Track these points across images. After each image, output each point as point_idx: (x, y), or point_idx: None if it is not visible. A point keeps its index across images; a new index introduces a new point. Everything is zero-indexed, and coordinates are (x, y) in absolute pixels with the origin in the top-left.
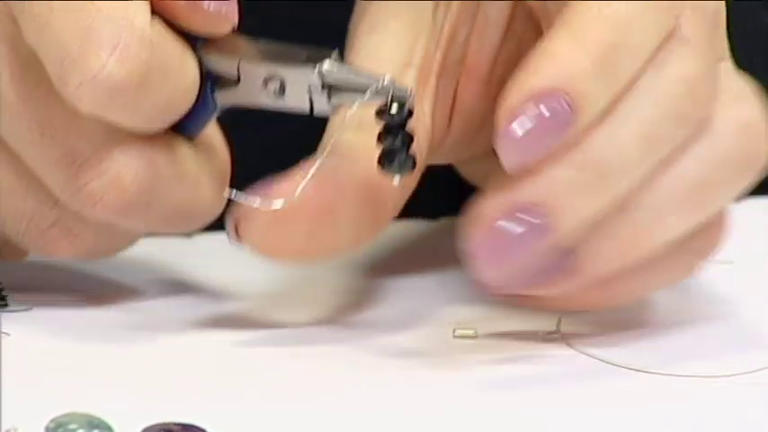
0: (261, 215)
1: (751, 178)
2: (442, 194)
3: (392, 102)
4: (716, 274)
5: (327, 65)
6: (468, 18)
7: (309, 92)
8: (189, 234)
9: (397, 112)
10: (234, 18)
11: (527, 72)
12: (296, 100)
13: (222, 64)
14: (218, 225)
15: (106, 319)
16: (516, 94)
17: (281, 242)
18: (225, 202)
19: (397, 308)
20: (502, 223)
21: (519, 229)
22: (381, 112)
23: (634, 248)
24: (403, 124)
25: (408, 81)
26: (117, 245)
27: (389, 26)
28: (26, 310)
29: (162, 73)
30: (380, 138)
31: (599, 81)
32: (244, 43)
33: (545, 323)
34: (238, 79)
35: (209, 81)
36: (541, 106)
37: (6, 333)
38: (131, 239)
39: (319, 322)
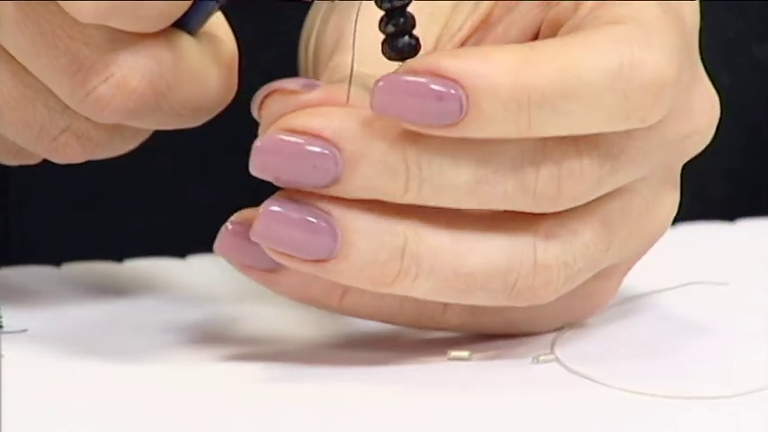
0: None
1: None
2: None
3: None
4: (711, 295)
5: None
6: (486, 27)
7: None
8: (183, 256)
9: (405, 44)
10: None
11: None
12: None
13: None
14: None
15: (103, 340)
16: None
17: None
18: (233, 92)
19: (391, 330)
20: (297, 137)
21: (307, 148)
22: (394, 47)
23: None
24: (404, 7)
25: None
26: (128, 142)
27: None
28: (22, 331)
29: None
30: (382, 23)
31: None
32: None
33: (539, 345)
34: None
35: None
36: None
37: (1, 354)
38: (143, 135)
39: (311, 345)
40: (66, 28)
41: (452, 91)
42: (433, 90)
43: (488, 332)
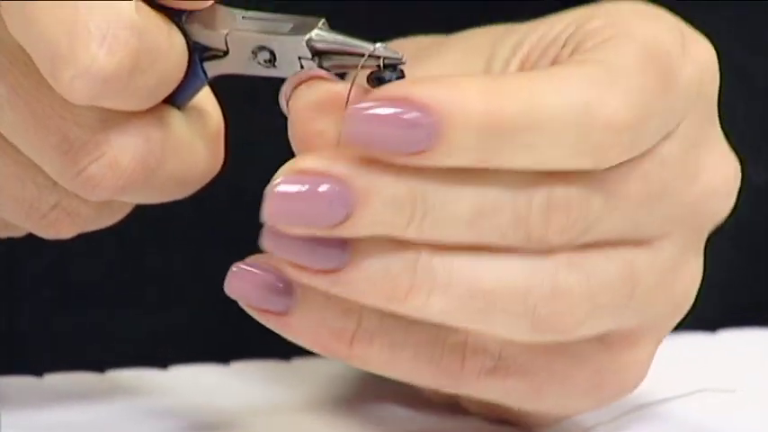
0: None
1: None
2: None
3: (385, 67)
4: (718, 402)
5: (316, 34)
6: None
7: (300, 61)
8: (165, 366)
9: (391, 77)
10: None
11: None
12: (287, 68)
13: (209, 36)
14: (195, 357)
15: None
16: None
17: None
18: (220, 163)
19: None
20: (310, 179)
21: (322, 188)
22: (375, 79)
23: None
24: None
25: None
26: (116, 214)
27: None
28: None
29: (151, 56)
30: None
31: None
32: (228, 13)
33: None
34: (227, 51)
35: (197, 52)
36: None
37: None
38: (130, 207)
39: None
40: (57, 107)
41: (422, 118)
42: (404, 117)
43: (515, 401)
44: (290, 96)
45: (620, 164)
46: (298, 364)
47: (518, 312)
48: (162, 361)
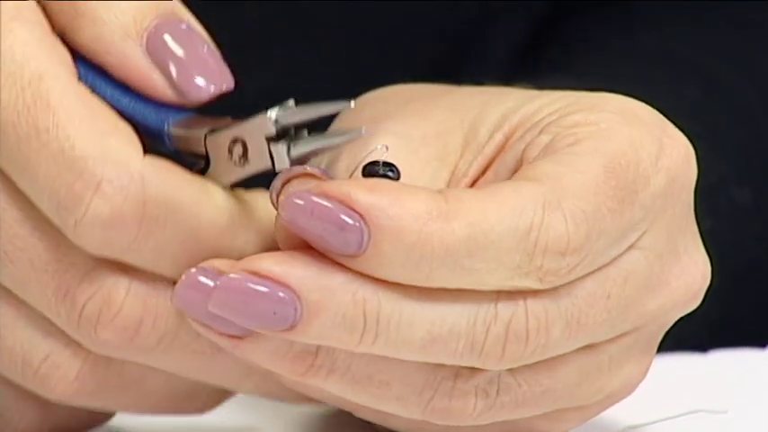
0: None
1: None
2: None
3: (384, 164)
4: (711, 423)
5: (281, 109)
6: (488, 168)
7: (269, 146)
8: None
9: (385, 172)
10: (229, 86)
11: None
12: (258, 159)
13: (191, 141)
14: None
15: None
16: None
17: None
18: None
19: None
20: (261, 282)
21: (269, 294)
22: (371, 172)
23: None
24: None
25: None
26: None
27: (419, 149)
28: None
29: (166, 207)
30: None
31: None
32: (208, 120)
33: None
34: (207, 157)
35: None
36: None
37: None
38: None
39: None
40: (53, 253)
41: (356, 223)
42: (339, 218)
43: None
44: (279, 191)
45: (583, 284)
46: None
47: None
48: None
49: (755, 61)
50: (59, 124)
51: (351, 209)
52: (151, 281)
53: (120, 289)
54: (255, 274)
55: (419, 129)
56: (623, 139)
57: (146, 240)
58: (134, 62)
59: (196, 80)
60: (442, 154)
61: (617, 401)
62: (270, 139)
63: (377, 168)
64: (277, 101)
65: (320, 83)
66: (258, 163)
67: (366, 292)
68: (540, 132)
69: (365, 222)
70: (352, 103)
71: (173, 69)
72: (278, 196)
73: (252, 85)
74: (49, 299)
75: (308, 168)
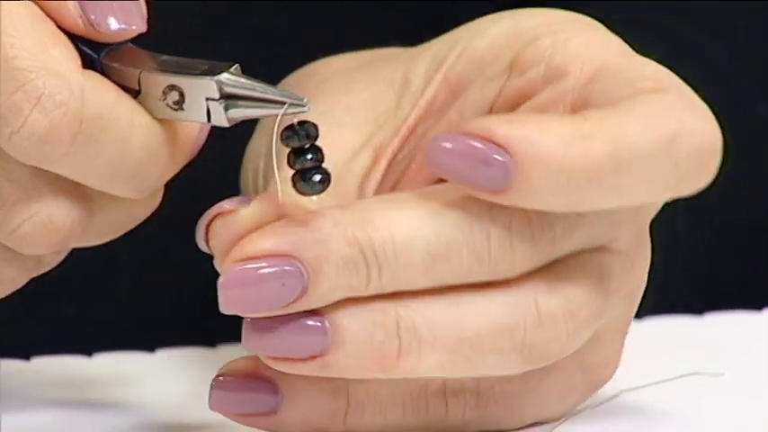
0: None
1: (517, 366)
2: None
3: (299, 124)
4: (707, 386)
5: (225, 76)
6: (434, 114)
7: (207, 103)
8: (152, 350)
9: (304, 130)
10: (140, 28)
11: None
12: (194, 111)
13: (123, 74)
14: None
15: None
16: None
17: None
18: (158, 201)
19: None
20: (258, 262)
21: (271, 270)
22: (288, 136)
23: (382, 363)
24: (312, 141)
25: (361, 163)
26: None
27: (344, 118)
28: None
29: (100, 124)
30: (290, 160)
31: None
32: (145, 56)
33: None
34: (139, 91)
35: None
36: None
37: None
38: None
39: None
40: None
41: (499, 157)
42: (481, 154)
43: (497, 426)
44: (207, 238)
45: None
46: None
47: (508, 349)
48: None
49: (720, 18)
50: (4, 31)
51: (493, 143)
52: (86, 193)
53: (62, 213)
54: (250, 258)
55: (341, 102)
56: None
57: (76, 155)
58: None
59: (108, 19)
60: (372, 117)
61: (636, 306)
62: (209, 99)
63: (294, 131)
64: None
65: (295, 51)
66: (194, 115)
67: (355, 229)
68: (513, 66)
69: (509, 154)
70: (307, 107)
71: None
72: (207, 242)
73: (226, 52)
74: None
75: (216, 208)
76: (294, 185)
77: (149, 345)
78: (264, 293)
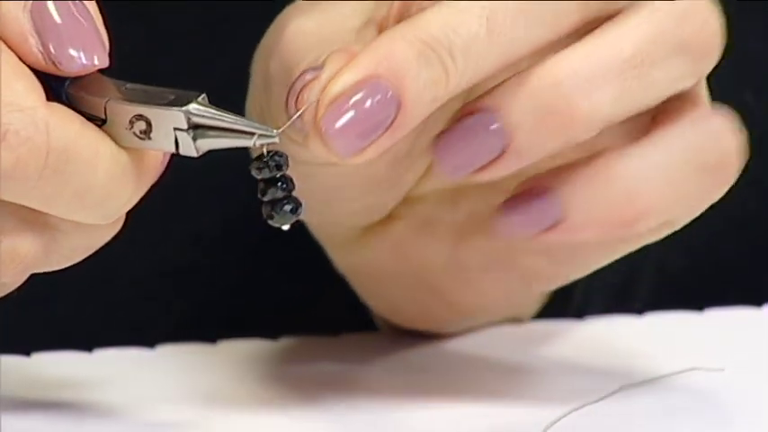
0: None
1: (688, 66)
2: None
3: (269, 155)
4: (707, 381)
5: (194, 107)
6: None
7: (175, 133)
8: (152, 346)
9: (274, 161)
10: (102, 63)
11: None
12: (161, 140)
13: (89, 103)
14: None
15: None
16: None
17: None
18: (119, 228)
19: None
20: (345, 98)
21: (366, 104)
22: (258, 167)
23: (564, 123)
24: (281, 171)
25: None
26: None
27: (342, 6)
28: None
29: (65, 156)
30: (261, 191)
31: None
32: (111, 84)
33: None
34: (105, 120)
35: None
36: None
37: None
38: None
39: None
40: None
41: None
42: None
43: None
44: (294, 108)
45: None
46: (285, 343)
47: (668, 50)
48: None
49: None
50: None
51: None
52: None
53: (26, 242)
54: (336, 98)
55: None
56: None
57: (43, 188)
58: (12, 22)
59: (69, 51)
60: None
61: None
62: (177, 129)
63: (265, 163)
64: (246, 78)
65: None
66: (162, 144)
67: (412, 31)
68: None
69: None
70: (278, 138)
71: (49, 36)
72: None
73: (223, 61)
74: None
75: (305, 78)
76: (265, 216)
77: (148, 342)
78: (364, 117)
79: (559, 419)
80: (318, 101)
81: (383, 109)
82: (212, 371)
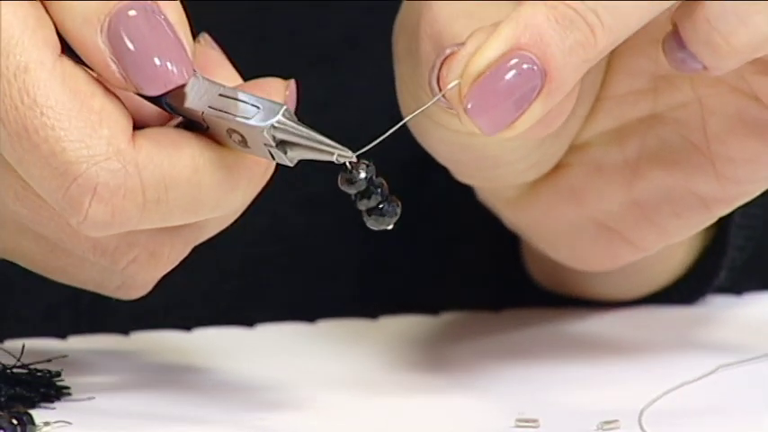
0: None
1: None
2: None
3: (355, 167)
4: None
5: (277, 121)
6: None
7: (266, 147)
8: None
9: (358, 172)
10: (182, 78)
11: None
12: (258, 151)
13: (189, 113)
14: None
15: (167, 409)
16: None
17: None
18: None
19: (457, 396)
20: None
21: (510, 78)
22: (348, 181)
23: None
24: (369, 182)
25: None
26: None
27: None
28: (89, 399)
29: (163, 184)
30: (356, 201)
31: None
32: (206, 87)
33: (610, 411)
34: (207, 127)
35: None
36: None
37: (68, 422)
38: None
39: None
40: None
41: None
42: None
43: None
44: (440, 86)
45: None
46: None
47: None
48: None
49: None
50: (48, 125)
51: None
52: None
53: (165, 248)
54: (497, 63)
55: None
56: None
57: (150, 218)
58: (93, 51)
59: (148, 75)
60: None
61: None
62: (267, 145)
63: (351, 180)
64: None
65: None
66: (259, 154)
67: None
68: None
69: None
70: (354, 157)
71: (126, 61)
72: (441, 81)
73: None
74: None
75: (446, 52)
76: (366, 223)
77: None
78: (509, 91)
79: (658, 399)
80: (461, 79)
81: (528, 80)
82: (373, 346)
